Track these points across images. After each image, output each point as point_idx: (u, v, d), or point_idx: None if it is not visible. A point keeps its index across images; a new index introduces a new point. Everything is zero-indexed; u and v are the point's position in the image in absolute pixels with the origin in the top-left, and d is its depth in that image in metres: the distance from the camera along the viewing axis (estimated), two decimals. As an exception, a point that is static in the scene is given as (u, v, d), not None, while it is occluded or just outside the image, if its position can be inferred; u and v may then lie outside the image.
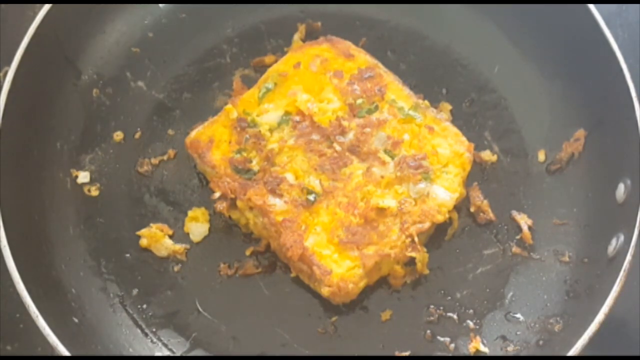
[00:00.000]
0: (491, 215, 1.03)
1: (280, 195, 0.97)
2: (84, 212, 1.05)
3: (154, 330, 0.99)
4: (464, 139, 1.02)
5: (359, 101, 1.02)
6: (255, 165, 0.99)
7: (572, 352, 0.86)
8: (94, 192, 1.06)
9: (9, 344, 1.04)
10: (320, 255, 0.94)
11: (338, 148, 0.99)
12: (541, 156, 1.07)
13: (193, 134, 1.02)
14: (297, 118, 1.01)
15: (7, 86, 0.96)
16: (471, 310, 1.00)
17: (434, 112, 1.04)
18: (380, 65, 1.07)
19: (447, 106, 1.10)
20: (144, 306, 1.00)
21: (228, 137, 1.01)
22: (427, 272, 0.99)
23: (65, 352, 0.85)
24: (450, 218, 1.00)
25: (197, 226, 1.05)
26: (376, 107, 1.02)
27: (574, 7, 1.03)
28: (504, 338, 0.98)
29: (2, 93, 0.96)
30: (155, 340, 0.98)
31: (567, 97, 1.08)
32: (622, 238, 0.92)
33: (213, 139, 1.01)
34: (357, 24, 1.16)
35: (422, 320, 0.99)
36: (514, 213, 1.04)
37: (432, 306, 1.00)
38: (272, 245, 1.00)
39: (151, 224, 1.04)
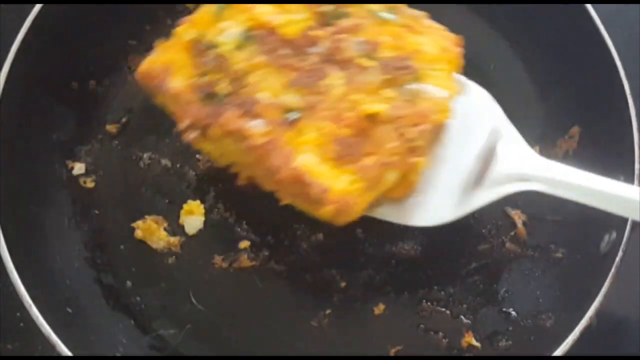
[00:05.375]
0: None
1: (257, 116, 0.86)
2: (79, 204, 1.05)
3: (147, 321, 0.99)
4: (449, 33, 0.93)
5: (328, 8, 0.92)
6: (223, 89, 0.88)
7: (562, 347, 0.86)
8: (90, 183, 1.07)
9: (9, 343, 1.04)
10: (314, 173, 0.84)
11: (313, 59, 0.89)
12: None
13: (145, 62, 0.91)
14: (261, 33, 0.90)
15: (3, 79, 0.96)
16: (464, 305, 1.00)
17: (412, 11, 0.95)
18: None
19: None
20: (138, 298, 1.01)
21: (186, 62, 0.90)
22: (415, 179, 0.90)
23: (58, 342, 0.86)
24: None
25: (192, 219, 1.05)
26: (346, 13, 0.92)
27: (570, 6, 1.04)
28: (496, 333, 0.99)
29: (-2, 85, 0.96)
30: (149, 331, 0.99)
31: (562, 94, 1.08)
32: (614, 234, 0.92)
33: (169, 67, 0.90)
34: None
35: (415, 315, 0.99)
36: (508, 209, 1.05)
37: (425, 301, 1.00)
38: (255, 174, 0.91)
39: (146, 216, 1.04)
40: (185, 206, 1.05)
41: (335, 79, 0.88)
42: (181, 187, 1.07)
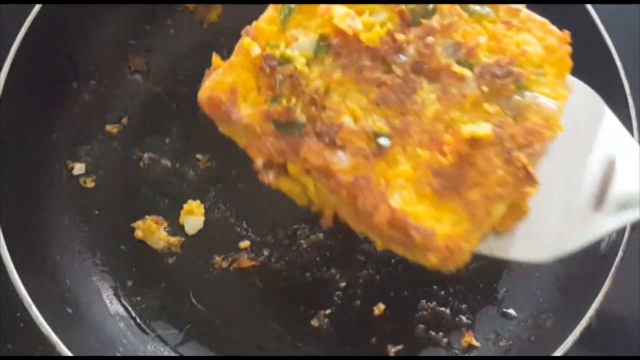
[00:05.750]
0: None
1: (343, 147, 0.74)
2: (80, 204, 1.05)
3: (147, 321, 0.99)
4: (553, 27, 0.79)
5: (411, 5, 0.79)
6: (300, 115, 0.75)
7: (562, 347, 0.86)
8: (90, 183, 1.07)
9: (9, 343, 1.04)
10: (414, 215, 0.72)
11: (399, 71, 0.76)
12: (536, 153, 1.07)
13: (207, 86, 0.76)
14: (338, 41, 0.77)
15: (4, 78, 0.96)
16: (464, 305, 1.00)
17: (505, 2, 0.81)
18: None
19: None
20: (138, 298, 1.01)
21: (254, 83, 0.76)
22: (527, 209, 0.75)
23: (58, 342, 0.86)
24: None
25: (192, 219, 1.05)
26: (434, 9, 0.79)
27: (570, 6, 1.04)
28: (496, 333, 0.99)
29: (-1, 85, 0.97)
30: (148, 331, 0.99)
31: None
32: (614, 235, 0.92)
33: (236, 89, 0.75)
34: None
35: (415, 315, 0.99)
36: (508, 209, 1.05)
37: (425, 300, 1.00)
38: (343, 214, 0.78)
39: (146, 216, 1.04)
40: (185, 206, 1.05)
41: (427, 93, 0.76)
42: (181, 187, 1.07)
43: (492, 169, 0.72)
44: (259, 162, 0.75)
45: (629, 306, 1.05)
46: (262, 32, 0.77)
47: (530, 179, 0.72)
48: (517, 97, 0.75)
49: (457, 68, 0.76)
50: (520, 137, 0.73)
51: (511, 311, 1.00)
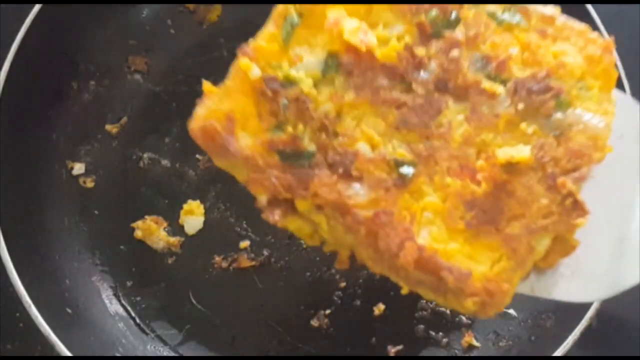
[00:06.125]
0: None
1: (359, 179, 0.65)
2: (79, 204, 1.05)
3: (147, 321, 0.99)
4: (594, 35, 0.69)
5: (431, 14, 0.69)
6: (309, 143, 0.66)
7: (562, 347, 0.86)
8: (90, 183, 1.07)
9: (9, 343, 1.04)
10: (445, 253, 0.63)
11: (420, 90, 0.67)
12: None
13: (199, 114, 0.66)
14: (349, 58, 0.67)
15: (3, 78, 0.96)
16: (464, 306, 1.00)
17: (540, 8, 0.71)
18: None
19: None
20: (138, 298, 1.01)
21: (254, 109, 0.66)
22: (576, 243, 0.66)
23: (58, 342, 0.86)
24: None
25: (192, 219, 1.05)
26: (457, 19, 0.69)
27: (570, 6, 1.03)
28: (496, 333, 0.99)
29: (-1, 85, 0.97)
30: (148, 331, 0.99)
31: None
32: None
33: (233, 116, 0.65)
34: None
35: (414, 315, 0.99)
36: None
37: (425, 301, 1.00)
38: (362, 255, 0.69)
39: (146, 216, 1.04)
40: (185, 206, 1.05)
41: (453, 114, 0.67)
42: (181, 187, 1.07)
43: (534, 198, 0.64)
44: (262, 199, 0.66)
45: (629, 306, 1.04)
46: (261, 52, 0.67)
47: (578, 207, 0.63)
48: (557, 115, 0.66)
49: (487, 84, 0.67)
50: (564, 160, 0.64)
51: (511, 311, 0.99)
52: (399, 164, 0.65)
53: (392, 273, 0.67)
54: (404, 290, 0.68)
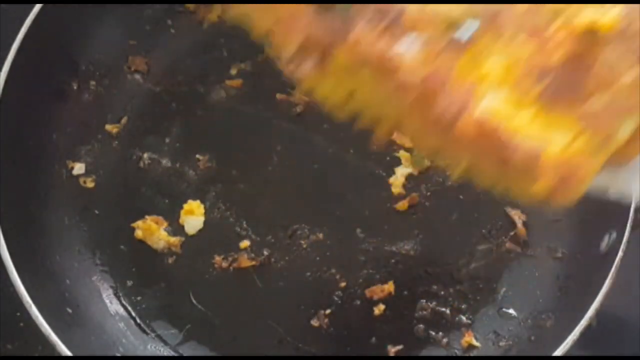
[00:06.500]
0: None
1: (410, 32, 0.53)
2: (80, 204, 1.05)
3: (147, 321, 0.99)
4: None
5: None
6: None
7: (562, 347, 0.86)
8: (90, 183, 1.07)
9: (9, 343, 1.04)
10: (512, 127, 0.52)
11: None
12: (536, 153, 1.07)
13: None
14: None
15: (3, 78, 0.96)
16: (464, 305, 1.00)
17: None
18: None
19: None
20: (138, 298, 1.01)
21: None
22: None
23: (58, 342, 0.86)
24: None
25: (192, 219, 1.05)
26: None
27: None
28: (496, 333, 0.99)
29: (-1, 85, 0.97)
30: (148, 331, 0.99)
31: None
32: (614, 234, 0.92)
33: None
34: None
35: (414, 315, 0.99)
36: (508, 209, 1.05)
37: (425, 300, 1.00)
38: (407, 126, 0.58)
39: (146, 216, 1.04)
40: (185, 206, 1.05)
41: None
42: (181, 187, 1.07)
43: (621, 70, 0.52)
44: (291, 47, 0.54)
45: (629, 306, 1.04)
46: None
47: None
48: None
49: None
50: None
51: (511, 311, 1.00)
52: (455, 20, 0.53)
53: (447, 146, 0.56)
54: (456, 173, 0.57)
